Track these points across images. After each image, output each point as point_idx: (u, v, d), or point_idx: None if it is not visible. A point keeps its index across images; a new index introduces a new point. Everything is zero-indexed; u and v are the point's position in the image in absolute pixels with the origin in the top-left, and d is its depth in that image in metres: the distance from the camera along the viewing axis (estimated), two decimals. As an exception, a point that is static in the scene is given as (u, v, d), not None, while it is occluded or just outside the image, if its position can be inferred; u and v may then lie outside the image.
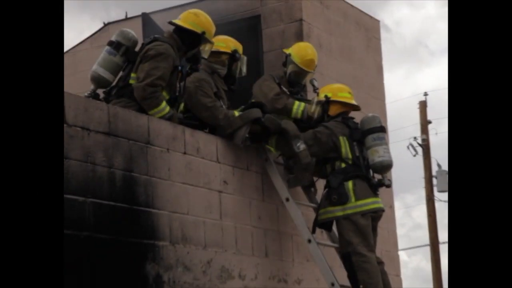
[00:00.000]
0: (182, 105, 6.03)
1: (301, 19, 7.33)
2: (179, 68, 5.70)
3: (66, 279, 4.38)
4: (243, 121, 5.89)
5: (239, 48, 6.39)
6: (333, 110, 6.44)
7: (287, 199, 6.22)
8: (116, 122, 5.02)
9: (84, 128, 4.77)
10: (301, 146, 6.05)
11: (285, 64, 6.78)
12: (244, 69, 6.40)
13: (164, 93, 5.61)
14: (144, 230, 5.08)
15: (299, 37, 7.29)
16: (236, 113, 6.02)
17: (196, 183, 5.60)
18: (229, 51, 6.30)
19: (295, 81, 6.75)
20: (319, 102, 6.46)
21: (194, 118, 6.00)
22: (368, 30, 8.41)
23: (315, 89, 6.78)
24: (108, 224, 4.82)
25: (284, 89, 6.71)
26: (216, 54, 6.27)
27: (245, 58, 6.40)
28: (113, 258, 4.81)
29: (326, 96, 6.44)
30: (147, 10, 7.69)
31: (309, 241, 6.15)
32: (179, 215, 5.39)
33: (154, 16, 7.64)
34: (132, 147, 5.11)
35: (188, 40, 5.79)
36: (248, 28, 7.40)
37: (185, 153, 5.56)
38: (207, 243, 5.58)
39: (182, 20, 5.82)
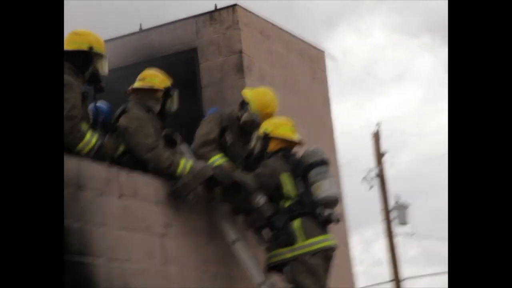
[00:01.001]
0: (122, 147, 5.90)
1: (241, 51, 7.28)
2: (86, 94, 5.55)
3: None
4: (197, 181, 5.80)
5: (169, 83, 6.27)
6: (272, 146, 6.36)
7: (233, 242, 6.09)
8: (43, 166, 4.84)
9: (8, 174, 4.58)
10: (261, 200, 6.01)
11: (242, 107, 6.60)
12: (175, 105, 6.28)
13: (83, 125, 5.44)
14: (81, 282, 4.89)
15: (240, 70, 7.24)
16: (182, 163, 5.86)
17: (135, 228, 5.44)
18: (163, 87, 6.20)
19: (248, 130, 6.58)
20: (258, 138, 6.40)
21: (134, 160, 5.86)
22: (313, 61, 8.42)
23: (253, 118, 6.66)
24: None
25: (228, 138, 6.51)
26: (150, 91, 6.17)
27: (176, 92, 6.26)
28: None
29: (265, 131, 6.37)
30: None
31: (260, 284, 6.02)
32: (118, 263, 5.21)
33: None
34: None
35: (79, 61, 5.59)
36: (185, 62, 7.32)
37: (121, 196, 5.40)
38: (151, 292, 5.40)
39: (66, 44, 5.61)
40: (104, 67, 5.70)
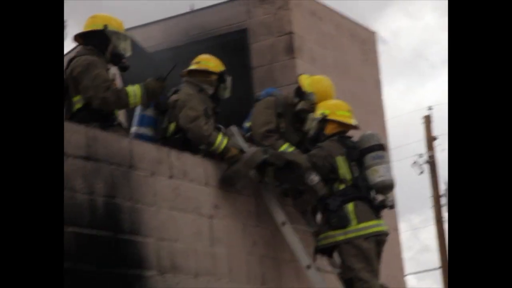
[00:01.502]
0: (172, 125, 6.07)
1: (291, 32, 7.32)
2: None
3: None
4: (248, 168, 5.92)
5: (224, 68, 6.41)
6: (330, 129, 6.39)
7: (283, 224, 6.17)
8: (95, 146, 4.99)
9: (61, 153, 4.73)
10: (314, 178, 6.03)
11: (298, 95, 6.63)
12: (229, 92, 6.39)
13: None
14: (130, 260, 5.02)
15: (290, 51, 7.29)
16: (220, 137, 6.01)
17: (185, 209, 5.55)
18: (218, 71, 6.33)
19: (302, 118, 6.61)
20: (315, 120, 6.42)
21: (184, 138, 6.02)
22: (364, 42, 8.41)
23: (311, 105, 6.71)
24: (91, 254, 4.77)
25: (282, 125, 6.60)
26: (205, 73, 6.31)
27: (229, 78, 6.39)
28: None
29: (323, 114, 6.40)
30: (126, 26, 7.67)
31: (308, 267, 6.09)
32: (167, 243, 5.33)
33: (133, 32, 7.63)
34: (114, 172, 5.07)
35: (97, 42, 5.80)
36: (235, 43, 7.39)
37: (171, 177, 5.52)
38: (198, 272, 5.52)
39: (84, 28, 5.87)
40: (125, 46, 5.87)
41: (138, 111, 6.24)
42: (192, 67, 6.36)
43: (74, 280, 4.60)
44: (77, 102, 5.62)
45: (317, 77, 6.81)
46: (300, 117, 6.62)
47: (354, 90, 8.02)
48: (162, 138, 6.07)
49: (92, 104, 5.58)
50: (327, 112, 6.38)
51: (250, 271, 6.01)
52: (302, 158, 6.09)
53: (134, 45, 7.31)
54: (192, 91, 6.22)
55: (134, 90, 5.73)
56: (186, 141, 6.05)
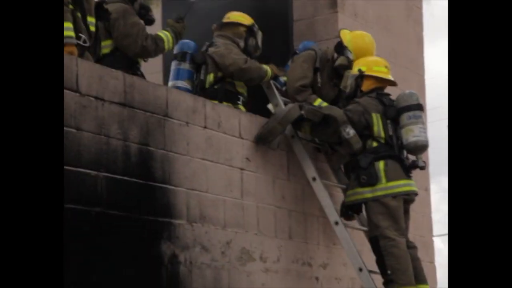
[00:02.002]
0: (211, 76, 6.18)
1: (335, -15, 7.28)
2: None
3: (76, 256, 4.48)
4: (284, 126, 5.97)
5: (254, 23, 6.51)
6: (367, 85, 6.40)
7: (314, 179, 6.25)
8: (132, 93, 5.07)
9: (98, 98, 4.82)
10: (350, 131, 6.05)
11: (338, 50, 6.65)
12: (259, 46, 6.49)
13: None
14: (160, 208, 5.15)
15: (333, 5, 7.25)
16: (264, 66, 6.28)
17: (216, 160, 5.65)
18: (247, 23, 6.43)
19: (341, 74, 6.61)
20: (352, 76, 6.43)
21: (224, 88, 6.16)
22: (409, -2, 8.33)
23: (350, 61, 6.72)
24: (122, 200, 4.89)
25: (319, 80, 6.62)
26: (234, 25, 6.43)
27: (261, 33, 6.48)
28: (126, 235, 4.89)
29: (360, 70, 6.40)
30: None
31: (336, 223, 6.18)
32: (197, 192, 5.44)
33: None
34: (149, 119, 5.16)
35: None
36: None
37: (205, 127, 5.60)
38: (226, 223, 5.64)
39: None
40: (153, 1, 5.98)
41: (173, 65, 6.34)
42: (223, 20, 6.49)
43: (104, 224, 4.74)
44: (106, 47, 5.70)
45: (358, 32, 6.80)
46: (338, 73, 6.64)
47: (395, 46, 7.97)
48: (201, 90, 6.17)
49: (127, 51, 5.67)
50: (364, 68, 6.39)
51: (278, 224, 6.12)
52: (338, 112, 6.12)
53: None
54: (227, 43, 6.34)
55: (167, 35, 5.89)
56: (226, 92, 6.15)
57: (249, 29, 6.43)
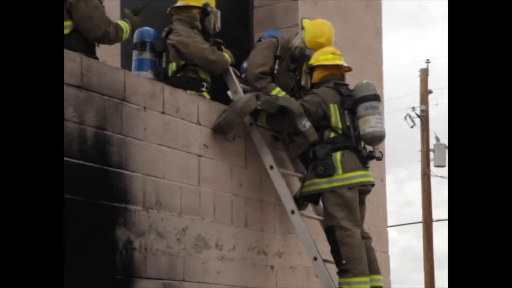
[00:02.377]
0: (174, 65, 6.17)
1: (296, -27, 7.26)
2: None
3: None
4: (241, 117, 5.95)
5: (212, 1, 6.43)
6: (316, 75, 6.43)
7: (271, 167, 6.24)
8: (89, 75, 4.99)
9: (54, 80, 4.73)
10: (306, 124, 6.05)
11: (297, 38, 6.69)
12: (218, 24, 6.41)
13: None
14: (116, 193, 5.09)
15: (294, -8, 7.23)
16: (227, 55, 6.28)
17: (174, 145, 5.60)
18: (199, 4, 6.36)
19: (298, 58, 6.65)
20: (305, 73, 6.48)
21: (188, 77, 6.14)
22: (368, -12, 8.36)
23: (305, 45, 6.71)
24: (77, 184, 4.82)
25: (276, 67, 6.61)
26: (186, 8, 6.36)
27: (218, 12, 6.43)
28: (81, 220, 4.82)
29: (308, 64, 6.44)
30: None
31: (293, 212, 6.18)
32: (154, 178, 5.39)
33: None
34: (106, 103, 5.08)
35: None
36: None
37: (163, 112, 5.55)
38: (183, 210, 5.60)
39: None
40: None
41: (134, 55, 6.26)
42: (176, 4, 6.42)
43: (59, 208, 4.66)
44: (66, 27, 5.58)
45: (319, 20, 6.81)
46: (295, 59, 6.64)
47: (354, 36, 7.99)
48: (164, 79, 6.08)
49: (88, 34, 5.58)
50: (312, 61, 6.43)
51: (234, 212, 6.10)
52: (294, 104, 6.11)
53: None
54: (186, 28, 6.27)
55: (125, 26, 5.84)
56: (189, 80, 6.09)
57: (203, 10, 6.35)
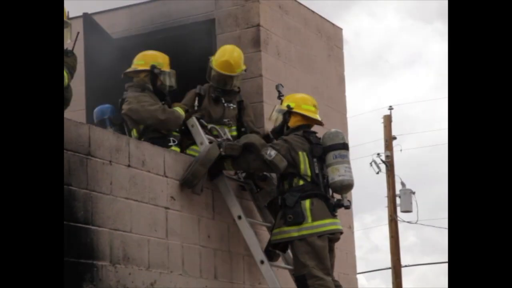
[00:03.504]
0: (134, 131, 6.30)
1: (259, 24, 7.34)
2: None
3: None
4: (205, 167, 5.96)
5: (164, 60, 6.54)
6: (293, 122, 6.45)
7: (239, 217, 6.21)
8: (54, 131, 4.95)
9: (18, 137, 4.68)
10: (272, 152, 6.05)
11: (209, 72, 6.84)
12: (172, 83, 6.53)
13: None
14: (82, 249, 5.01)
15: (256, 43, 7.30)
16: (179, 110, 6.35)
17: (141, 199, 5.56)
18: (147, 67, 6.46)
19: (221, 87, 6.76)
20: (280, 111, 6.48)
21: (152, 140, 6.16)
22: (330, 38, 8.46)
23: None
24: (43, 242, 4.74)
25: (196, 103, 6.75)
26: (135, 73, 6.50)
27: (172, 71, 6.53)
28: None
29: (288, 106, 6.45)
30: (89, 10, 7.61)
31: (262, 262, 6.14)
32: (121, 232, 5.34)
33: (97, 17, 7.57)
34: (70, 158, 5.04)
35: None
36: (202, 33, 7.38)
37: (129, 165, 5.51)
38: (151, 264, 5.53)
39: None
40: (66, 35, 5.77)
41: None
42: (127, 69, 6.54)
43: (25, 266, 4.58)
44: None
45: (225, 45, 7.00)
46: (218, 89, 6.77)
47: (317, 85, 8.07)
48: None
49: None
50: (292, 104, 6.44)
51: (203, 264, 6.04)
52: (254, 137, 6.17)
53: (100, 31, 7.28)
54: (137, 93, 6.38)
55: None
56: (154, 141, 6.10)
57: (150, 72, 6.45)
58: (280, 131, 6.46)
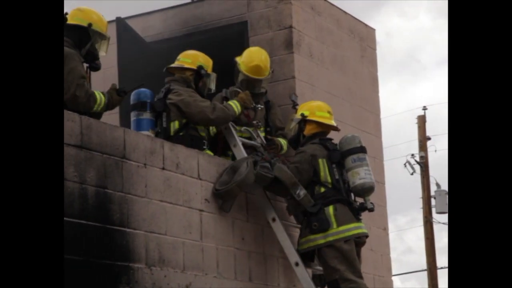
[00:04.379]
0: (176, 123, 6.24)
1: (291, 26, 7.35)
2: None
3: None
4: (241, 189, 5.97)
5: (209, 63, 6.54)
6: (309, 130, 6.48)
7: (274, 219, 6.23)
8: (89, 134, 5.02)
9: (54, 141, 4.75)
10: (301, 193, 6.06)
11: (236, 75, 6.82)
12: (213, 87, 6.52)
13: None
14: (118, 251, 5.07)
15: (289, 45, 7.32)
16: (232, 103, 6.37)
17: (175, 201, 5.60)
18: (194, 67, 6.45)
19: (250, 90, 6.74)
20: (295, 120, 6.51)
21: (191, 135, 6.21)
22: (363, 39, 8.45)
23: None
24: (79, 244, 4.81)
25: None
26: (180, 70, 6.46)
27: (214, 75, 6.53)
28: (84, 280, 4.79)
29: (302, 115, 6.48)
30: (123, 14, 7.69)
31: (297, 264, 6.15)
32: (156, 235, 5.38)
33: (131, 21, 7.64)
34: (106, 161, 5.10)
35: (77, 36, 5.75)
36: (234, 35, 7.42)
37: (163, 168, 5.56)
38: (186, 266, 5.57)
39: (69, 19, 5.79)
40: (102, 47, 5.87)
41: (133, 116, 6.29)
42: (172, 64, 6.52)
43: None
44: None
45: (248, 49, 6.96)
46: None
47: (350, 86, 8.06)
48: (165, 138, 6.10)
49: None
50: (306, 113, 6.49)
51: (238, 266, 6.07)
52: (286, 174, 6.08)
53: (133, 34, 7.34)
54: (184, 87, 6.36)
55: (101, 98, 5.67)
56: (192, 138, 6.14)
57: (196, 72, 6.46)
58: (296, 140, 6.50)
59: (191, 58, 6.49)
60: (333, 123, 6.54)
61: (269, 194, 6.39)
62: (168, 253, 5.44)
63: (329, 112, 6.55)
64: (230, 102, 6.45)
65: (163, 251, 5.41)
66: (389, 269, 8.20)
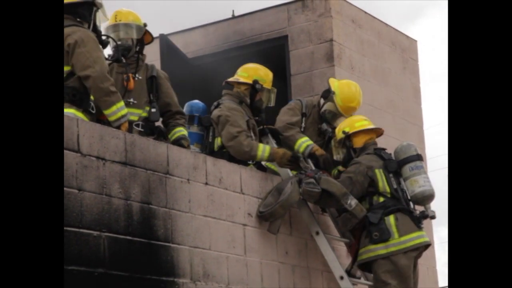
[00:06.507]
0: (219, 140, 6.23)
1: (332, 39, 7.38)
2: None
3: (79, 319, 4.43)
4: (285, 209, 5.94)
5: (267, 77, 6.41)
6: (357, 142, 6.46)
7: (317, 233, 6.22)
8: (133, 151, 5.08)
9: (99, 158, 4.83)
10: (352, 202, 5.98)
11: (325, 97, 6.74)
12: (272, 100, 6.43)
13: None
14: (163, 266, 5.11)
15: (330, 58, 7.34)
16: (261, 146, 6.14)
17: (219, 216, 5.63)
18: (249, 81, 6.36)
19: (327, 120, 6.73)
20: (339, 142, 6.48)
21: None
22: (404, 50, 8.43)
23: (336, 107, 6.72)
24: (125, 260, 4.85)
25: (303, 124, 6.69)
26: (237, 84, 6.40)
27: (273, 89, 6.42)
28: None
29: (344, 132, 6.46)
30: (165, 31, 7.79)
31: (341, 278, 6.13)
32: (200, 250, 5.41)
33: (174, 37, 7.73)
34: (150, 177, 5.15)
35: (83, 12, 5.33)
36: (275, 49, 7.46)
37: (206, 183, 5.60)
38: (230, 280, 5.59)
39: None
40: (102, 17, 5.46)
41: None
42: (230, 78, 6.46)
43: (107, 285, 4.69)
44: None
45: (346, 82, 6.86)
46: (323, 119, 6.71)
47: (392, 98, 8.05)
48: (210, 153, 6.13)
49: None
50: (347, 129, 6.47)
51: (282, 280, 6.07)
52: (335, 185, 6.00)
53: (174, 51, 7.42)
54: (233, 104, 6.30)
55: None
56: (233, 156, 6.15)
57: (252, 87, 6.35)
58: (349, 160, 6.45)
59: (248, 72, 6.38)
60: (373, 125, 6.53)
61: (312, 207, 6.39)
62: (213, 268, 5.47)
63: (365, 120, 6.55)
64: (267, 148, 6.17)
65: (207, 266, 5.43)
66: (435, 281, 8.13)
